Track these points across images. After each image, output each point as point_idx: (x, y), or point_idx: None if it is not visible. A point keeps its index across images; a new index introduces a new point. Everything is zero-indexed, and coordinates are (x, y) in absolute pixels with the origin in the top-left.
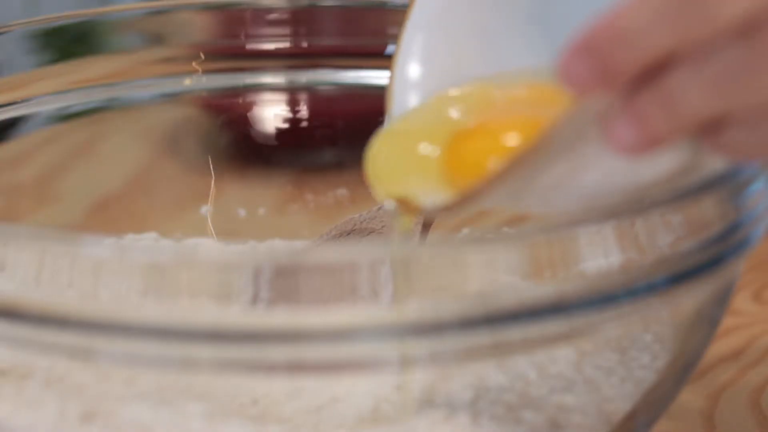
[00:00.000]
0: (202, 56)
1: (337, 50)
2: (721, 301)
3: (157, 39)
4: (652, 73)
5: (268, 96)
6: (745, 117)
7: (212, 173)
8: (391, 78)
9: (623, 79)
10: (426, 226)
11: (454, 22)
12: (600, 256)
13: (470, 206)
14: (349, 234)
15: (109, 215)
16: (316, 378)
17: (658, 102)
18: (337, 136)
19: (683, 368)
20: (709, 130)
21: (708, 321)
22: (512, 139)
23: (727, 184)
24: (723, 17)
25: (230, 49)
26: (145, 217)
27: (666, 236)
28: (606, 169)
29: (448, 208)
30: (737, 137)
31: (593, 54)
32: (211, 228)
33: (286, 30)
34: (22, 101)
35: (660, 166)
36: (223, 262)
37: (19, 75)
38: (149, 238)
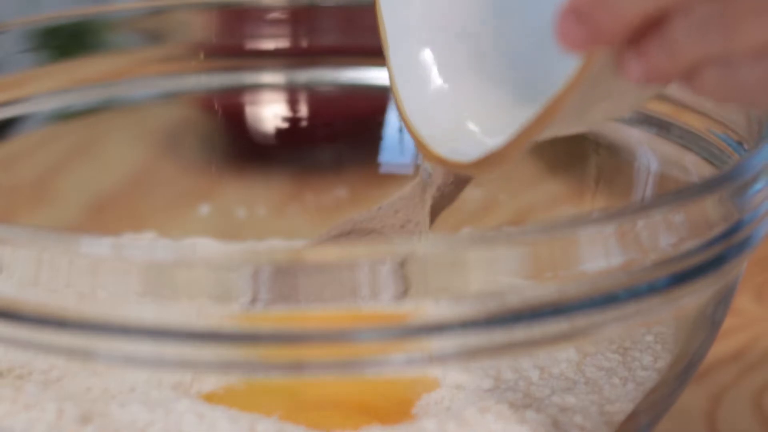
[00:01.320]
0: (202, 55)
1: (337, 50)
2: (724, 301)
3: (156, 38)
4: (654, 22)
5: (267, 95)
6: (726, 62)
7: (211, 173)
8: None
9: (618, 37)
10: (431, 217)
11: None
12: (602, 256)
13: (510, 156)
14: (349, 234)
15: (107, 215)
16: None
17: (659, 46)
18: (337, 135)
19: (685, 369)
20: (689, 74)
21: (710, 321)
22: None
23: (730, 184)
24: None
25: (230, 48)
26: (143, 217)
27: (668, 236)
28: (617, 95)
29: (491, 160)
30: (717, 80)
31: (583, 19)
32: (211, 228)
33: (286, 29)
34: (21, 100)
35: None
36: (223, 262)
37: (18, 74)
38: (148, 237)
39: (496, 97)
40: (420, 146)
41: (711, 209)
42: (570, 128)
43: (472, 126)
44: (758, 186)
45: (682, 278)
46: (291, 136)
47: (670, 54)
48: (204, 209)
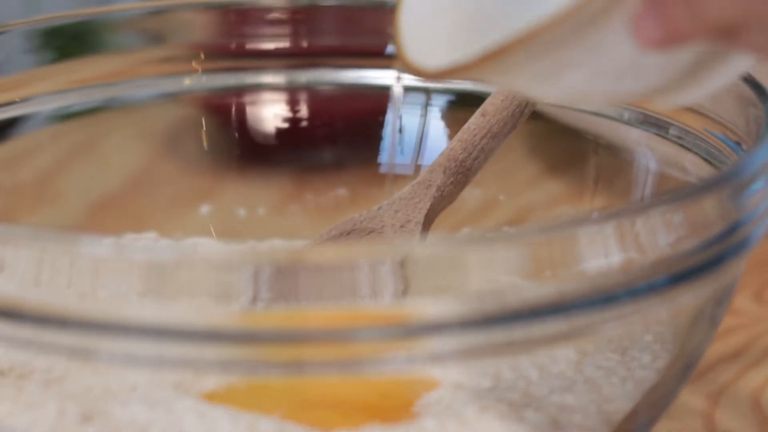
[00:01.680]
0: (202, 56)
1: (337, 50)
2: (722, 301)
3: (156, 38)
4: None
5: (268, 96)
6: (762, 23)
7: (212, 173)
8: None
9: None
10: (427, 225)
11: None
12: (601, 255)
13: (476, 72)
14: (349, 234)
15: (108, 215)
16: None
17: (683, 3)
18: (337, 136)
19: (684, 368)
20: (728, 33)
21: (709, 321)
22: None
23: (728, 184)
24: None
25: (230, 49)
26: (144, 217)
27: (667, 236)
28: (604, 66)
29: (454, 71)
30: (757, 40)
31: None
32: (211, 228)
33: (286, 30)
34: (22, 101)
35: (657, 76)
36: (223, 262)
37: (19, 74)
38: (149, 237)
39: (486, 21)
40: (398, 49)
41: (710, 209)
42: (542, 86)
43: (448, 43)
44: (757, 186)
45: (680, 278)
46: (291, 136)
47: (696, 13)
48: (204, 209)
